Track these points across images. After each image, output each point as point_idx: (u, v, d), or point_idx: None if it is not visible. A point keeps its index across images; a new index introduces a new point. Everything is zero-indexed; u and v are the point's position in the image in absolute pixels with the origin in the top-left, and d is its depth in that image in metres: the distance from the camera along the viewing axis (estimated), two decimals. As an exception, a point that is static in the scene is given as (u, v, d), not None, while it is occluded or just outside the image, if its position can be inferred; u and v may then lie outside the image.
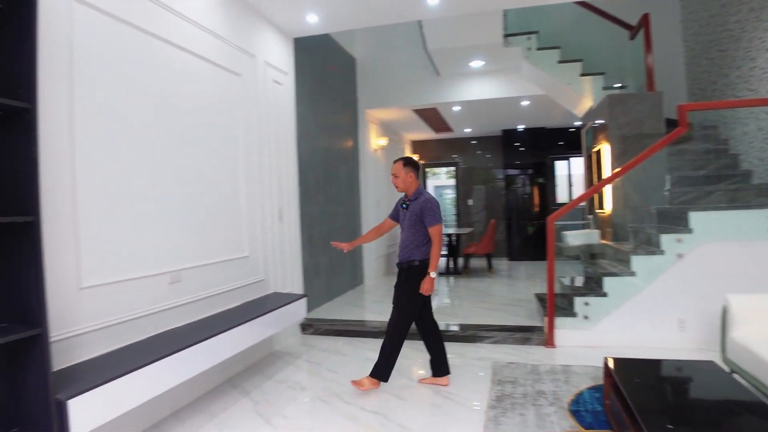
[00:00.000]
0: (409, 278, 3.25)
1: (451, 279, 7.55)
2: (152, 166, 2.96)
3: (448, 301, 6.09)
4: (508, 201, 9.73)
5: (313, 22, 4.47)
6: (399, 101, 7.08)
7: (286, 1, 4.05)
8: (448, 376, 3.38)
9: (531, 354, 3.92)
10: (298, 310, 4.07)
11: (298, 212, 5.00)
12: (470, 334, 4.35)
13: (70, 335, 2.35)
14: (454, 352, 4.02)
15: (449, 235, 8.03)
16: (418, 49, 6.23)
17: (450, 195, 12.61)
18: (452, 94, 6.80)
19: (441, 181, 13.49)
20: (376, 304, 5.86)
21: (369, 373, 3.26)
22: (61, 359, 2.27)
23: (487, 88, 6.64)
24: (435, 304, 5.89)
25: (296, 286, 4.85)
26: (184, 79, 3.27)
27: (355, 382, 3.24)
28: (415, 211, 3.24)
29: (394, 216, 3.54)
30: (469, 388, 3.26)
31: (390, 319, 3.32)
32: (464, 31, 5.32)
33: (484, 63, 6.23)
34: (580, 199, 4.41)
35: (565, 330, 4.12)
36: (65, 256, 2.36)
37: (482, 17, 4.88)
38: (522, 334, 4.26)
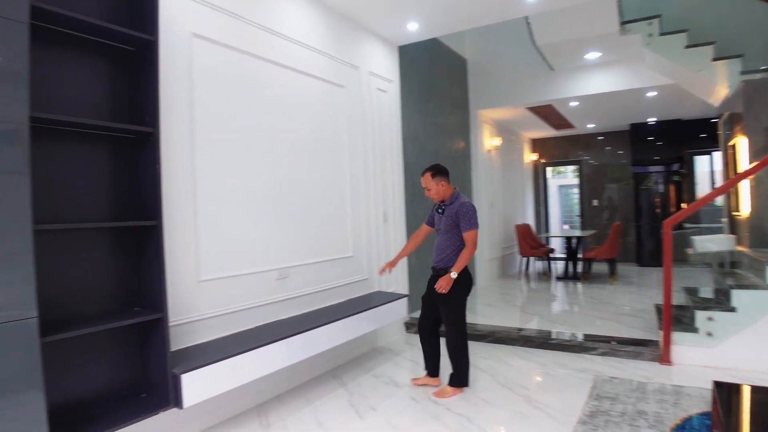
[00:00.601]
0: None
1: (569, 285, 7.13)
2: (263, 175, 3.34)
3: (561, 308, 5.78)
4: (638, 201, 8.86)
5: (413, 29, 4.60)
6: (511, 100, 6.89)
7: (386, 13, 4.23)
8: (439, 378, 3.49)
9: (641, 370, 3.59)
10: (399, 309, 4.21)
11: (404, 214, 5.17)
12: (576, 344, 4.11)
13: (189, 321, 2.77)
14: (555, 361, 3.87)
15: (568, 239, 7.59)
16: (530, 46, 6.00)
17: (575, 195, 11.85)
18: (568, 89, 6.43)
19: (566, 180, 12.74)
20: (483, 307, 5.79)
21: (448, 381, 3.32)
22: (181, 340, 2.70)
23: (607, 80, 6.15)
24: (548, 309, 5.66)
25: (401, 285, 5.02)
26: (290, 94, 3.62)
27: (437, 394, 3.26)
28: (451, 215, 3.22)
29: (430, 221, 3.51)
30: (561, 400, 3.11)
31: (446, 333, 3.32)
32: (575, 23, 5.01)
33: (600, 54, 5.79)
34: (703, 200, 3.86)
35: (683, 346, 3.70)
36: (187, 254, 2.78)
37: (593, 6, 4.55)
38: (634, 347, 3.91)
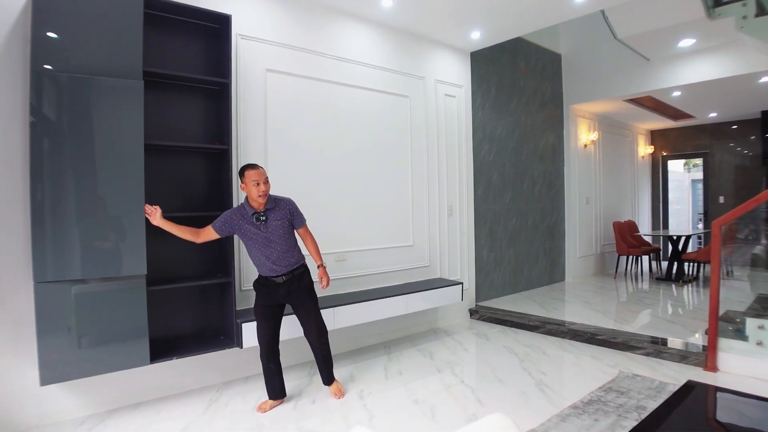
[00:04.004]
0: (305, 283, 3.13)
1: (665, 286, 6.77)
2: (327, 178, 4.11)
3: (632, 308, 5.64)
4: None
5: (476, 38, 4.97)
6: (606, 93, 6.73)
7: (448, 26, 4.68)
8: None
9: (676, 372, 3.61)
10: (452, 295, 4.68)
11: (472, 209, 5.57)
12: (622, 342, 4.19)
13: (259, 287, 3.67)
14: (593, 355, 4.04)
15: (675, 238, 7.13)
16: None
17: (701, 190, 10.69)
18: (666, 79, 6.10)
19: (700, 174, 11.51)
20: (557, 302, 5.92)
21: (331, 380, 3.30)
22: (251, 301, 3.57)
23: (708, 67, 5.70)
24: (618, 307, 5.61)
25: (466, 274, 5.46)
26: (355, 108, 4.32)
27: (339, 394, 3.24)
28: (283, 217, 3.00)
29: (223, 229, 2.93)
30: (570, 387, 3.37)
31: (316, 333, 3.16)
32: (653, 12, 4.87)
33: (695, 41, 5.45)
34: (756, 200, 3.62)
35: (731, 354, 3.61)
36: (260, 237, 3.67)
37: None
38: (682, 350, 3.89)
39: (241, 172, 2.93)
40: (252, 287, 3.61)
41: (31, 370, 2.69)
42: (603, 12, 5.24)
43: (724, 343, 3.67)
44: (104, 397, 3.00)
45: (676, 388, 3.29)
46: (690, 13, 4.79)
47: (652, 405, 3.05)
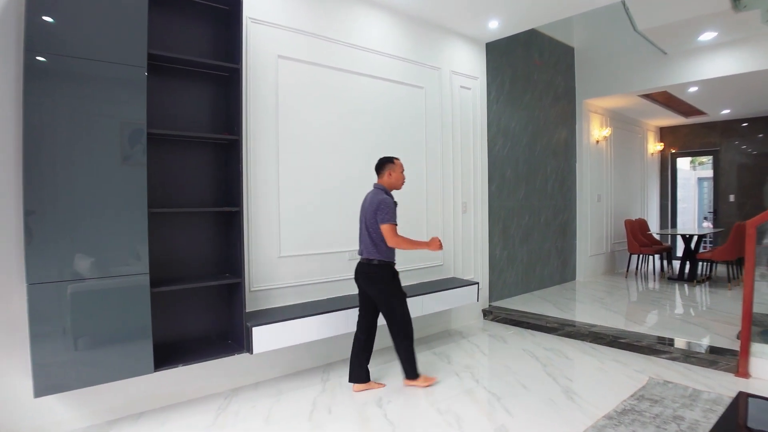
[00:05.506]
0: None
1: (679, 286, 6.61)
2: (339, 171, 3.89)
3: (650, 309, 5.47)
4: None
5: (494, 27, 4.76)
6: (621, 88, 6.53)
7: (466, 14, 4.46)
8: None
9: (707, 379, 3.43)
10: (468, 295, 4.50)
11: (487, 206, 5.37)
12: (646, 345, 4.00)
13: (270, 288, 3.45)
14: (617, 360, 3.86)
15: (688, 237, 6.95)
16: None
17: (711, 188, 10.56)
18: (684, 74, 5.91)
19: (708, 173, 11.37)
20: (571, 302, 5.74)
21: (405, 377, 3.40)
22: (262, 302, 3.40)
23: (728, 62, 5.52)
24: (635, 308, 5.44)
25: (480, 273, 5.26)
26: (368, 98, 4.10)
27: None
28: None
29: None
30: (600, 395, 3.18)
31: (374, 329, 3.44)
32: (678, 3, 4.67)
33: (716, 35, 5.26)
34: None
35: (764, 360, 3.43)
36: (270, 234, 3.45)
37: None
38: (711, 355, 3.71)
39: (390, 160, 3.27)
40: (272, 287, 3.44)
41: (26, 379, 2.47)
42: (624, 2, 5.04)
43: (756, 348, 3.49)
44: (104, 407, 2.78)
45: (711, 396, 3.13)
46: (715, 5, 4.60)
47: (689, 415, 2.87)
